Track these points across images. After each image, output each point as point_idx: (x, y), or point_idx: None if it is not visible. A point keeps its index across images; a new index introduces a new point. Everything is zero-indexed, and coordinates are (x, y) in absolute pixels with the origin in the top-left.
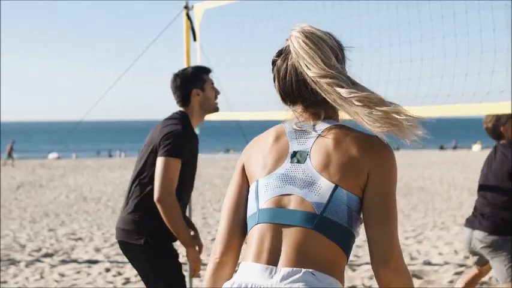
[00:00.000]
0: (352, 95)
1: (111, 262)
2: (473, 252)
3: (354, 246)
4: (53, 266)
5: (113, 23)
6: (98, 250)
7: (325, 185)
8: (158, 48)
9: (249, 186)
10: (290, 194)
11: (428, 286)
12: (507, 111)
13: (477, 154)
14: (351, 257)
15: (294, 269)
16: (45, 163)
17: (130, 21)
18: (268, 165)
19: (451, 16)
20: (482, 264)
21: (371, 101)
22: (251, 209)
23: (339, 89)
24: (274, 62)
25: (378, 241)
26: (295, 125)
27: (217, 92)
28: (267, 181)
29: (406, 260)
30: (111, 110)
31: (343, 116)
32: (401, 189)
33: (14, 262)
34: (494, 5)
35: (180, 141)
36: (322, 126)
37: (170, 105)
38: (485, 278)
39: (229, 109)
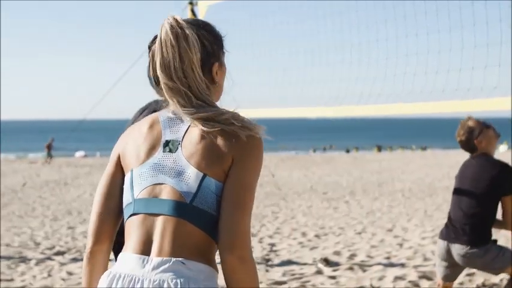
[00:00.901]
0: (188, 112)
1: None
2: (450, 265)
3: (368, 246)
4: (62, 264)
5: (117, 20)
6: None
7: (194, 174)
8: None
9: (123, 176)
10: (162, 184)
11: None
12: (503, 107)
13: (504, 154)
14: (363, 257)
15: (164, 258)
16: (71, 161)
17: (134, 18)
18: (142, 155)
19: (446, 11)
20: (451, 279)
21: (209, 119)
22: (126, 199)
23: (178, 99)
24: (150, 47)
25: (227, 227)
26: (169, 114)
27: None
28: (140, 170)
29: (419, 260)
30: (113, 108)
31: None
32: (426, 189)
33: (24, 260)
34: (488, 3)
35: None
36: (200, 115)
37: None
38: (496, 280)
39: (237, 106)
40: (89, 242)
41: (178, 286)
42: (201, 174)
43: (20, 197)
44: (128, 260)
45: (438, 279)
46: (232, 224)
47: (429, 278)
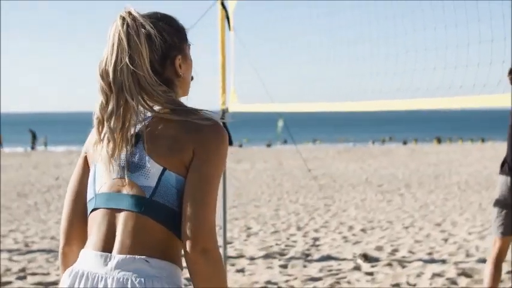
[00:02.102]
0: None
1: None
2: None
3: (412, 241)
4: None
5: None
6: None
7: (154, 168)
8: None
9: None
10: (123, 178)
11: (474, 286)
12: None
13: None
14: (405, 253)
15: (128, 256)
16: None
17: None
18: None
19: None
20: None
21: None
22: (90, 194)
23: (130, 96)
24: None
25: (189, 220)
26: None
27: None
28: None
29: (461, 257)
30: None
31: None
32: (483, 182)
33: None
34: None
35: None
36: (157, 109)
37: (197, 97)
38: None
39: (270, 100)
40: (60, 242)
41: (143, 285)
42: (161, 168)
43: None
44: (89, 257)
45: (495, 239)
46: (193, 218)
47: (468, 275)
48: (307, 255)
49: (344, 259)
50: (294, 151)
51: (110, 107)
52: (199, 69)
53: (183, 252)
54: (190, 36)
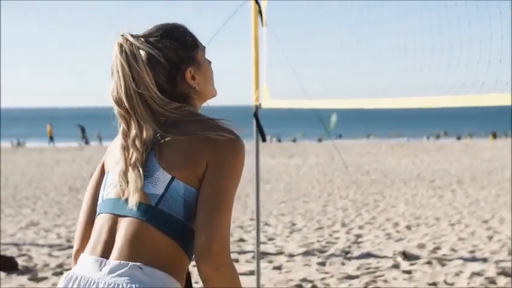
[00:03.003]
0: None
1: None
2: None
3: (456, 239)
4: None
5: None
6: None
7: (162, 176)
8: (221, 37)
9: None
10: None
11: None
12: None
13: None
14: (446, 251)
15: (122, 262)
16: None
17: (190, 8)
18: (118, 157)
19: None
20: None
21: None
22: (100, 199)
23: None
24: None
25: (202, 234)
26: None
27: None
28: (113, 172)
29: (503, 255)
30: None
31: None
32: None
33: None
34: None
35: None
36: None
37: (231, 93)
38: None
39: (306, 97)
40: (74, 245)
41: None
42: (169, 176)
43: None
44: (86, 261)
45: None
46: (207, 230)
47: (508, 275)
48: (347, 252)
49: (384, 257)
50: (346, 146)
51: (134, 132)
52: (232, 67)
53: (196, 267)
54: (223, 33)
